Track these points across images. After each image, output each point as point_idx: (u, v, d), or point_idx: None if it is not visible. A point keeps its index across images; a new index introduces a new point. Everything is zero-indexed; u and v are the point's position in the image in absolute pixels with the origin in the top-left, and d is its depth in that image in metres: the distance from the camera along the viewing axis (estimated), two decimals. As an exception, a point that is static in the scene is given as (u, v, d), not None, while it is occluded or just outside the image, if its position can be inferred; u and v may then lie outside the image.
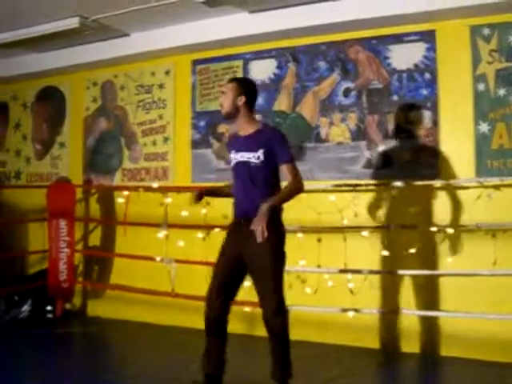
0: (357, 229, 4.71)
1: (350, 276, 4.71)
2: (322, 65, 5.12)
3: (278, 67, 5.31)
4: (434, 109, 4.64)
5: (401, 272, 4.51)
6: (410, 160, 4.70)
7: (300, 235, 4.88)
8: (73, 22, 5.21)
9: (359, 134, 4.93)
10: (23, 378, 4.01)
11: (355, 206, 4.75)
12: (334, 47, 5.05)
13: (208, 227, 5.13)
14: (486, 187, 4.35)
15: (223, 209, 4.30)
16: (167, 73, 5.89)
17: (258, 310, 4.81)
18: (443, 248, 4.47)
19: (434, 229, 4.49)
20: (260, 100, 5.33)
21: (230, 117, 3.44)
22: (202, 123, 5.64)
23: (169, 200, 5.37)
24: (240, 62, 5.49)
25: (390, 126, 4.80)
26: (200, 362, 3.46)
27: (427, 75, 4.68)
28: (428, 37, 4.66)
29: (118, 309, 5.89)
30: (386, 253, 4.62)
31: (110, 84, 6.26)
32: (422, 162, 4.64)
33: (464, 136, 4.51)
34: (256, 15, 5.06)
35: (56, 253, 5.86)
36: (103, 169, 6.26)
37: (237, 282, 3.40)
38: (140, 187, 5.75)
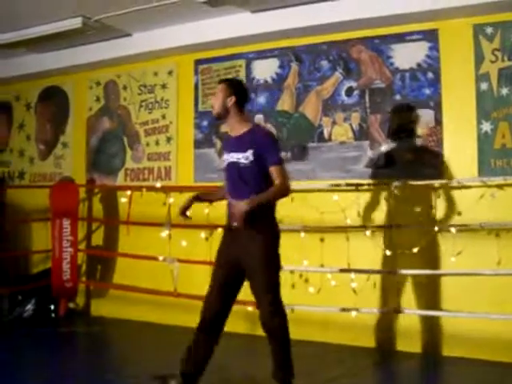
0: (360, 228, 4.71)
1: (353, 276, 4.71)
2: (325, 64, 5.11)
3: (281, 67, 5.31)
4: (437, 108, 4.62)
5: (403, 272, 4.50)
6: (412, 159, 4.69)
7: (303, 235, 4.88)
8: (75, 23, 5.22)
9: (362, 133, 4.92)
10: (26, 377, 4.02)
11: (358, 206, 4.75)
12: (336, 47, 5.04)
13: (211, 227, 5.13)
14: (490, 186, 4.34)
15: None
16: (170, 73, 5.89)
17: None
18: (446, 248, 4.46)
19: (436, 228, 4.49)
20: (263, 100, 5.37)
21: (221, 117, 3.46)
22: (205, 123, 5.64)
23: (172, 200, 5.37)
24: (242, 62, 5.49)
25: (393, 126, 4.79)
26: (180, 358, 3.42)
27: (430, 74, 4.66)
28: (431, 36, 4.65)
29: (120, 308, 5.90)
30: (388, 252, 4.61)
31: (113, 84, 6.27)
32: (424, 162, 4.63)
33: (467, 135, 4.49)
34: (258, 15, 5.05)
35: (59, 252, 5.87)
36: (106, 168, 6.27)
37: (235, 288, 3.39)
38: (143, 187, 5.76)
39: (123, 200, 5.82)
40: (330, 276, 4.81)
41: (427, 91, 4.67)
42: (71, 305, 6.19)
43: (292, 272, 4.99)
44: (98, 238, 6.29)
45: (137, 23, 5.42)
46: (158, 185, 5.68)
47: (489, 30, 4.44)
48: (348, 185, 4.78)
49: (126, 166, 6.14)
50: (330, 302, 4.73)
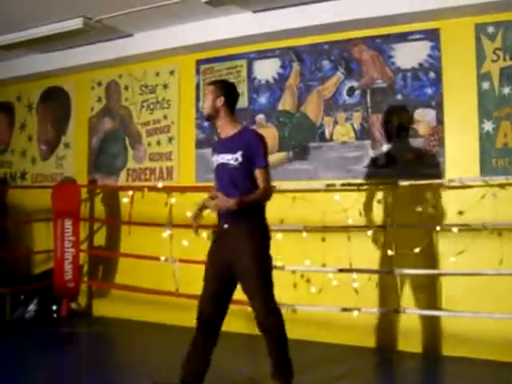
0: (361, 228, 4.71)
1: (355, 275, 4.71)
2: (326, 64, 5.11)
3: (282, 67, 5.31)
4: (439, 108, 4.62)
5: (405, 271, 4.50)
6: (414, 159, 4.68)
7: (304, 235, 4.88)
8: (77, 23, 5.22)
9: (363, 133, 4.92)
10: (28, 378, 4.03)
11: (360, 205, 4.75)
12: (337, 46, 5.04)
13: (212, 227, 5.11)
14: (491, 186, 4.33)
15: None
16: (171, 73, 5.89)
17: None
18: (448, 247, 4.46)
19: (438, 228, 4.48)
20: (264, 100, 5.37)
21: (212, 118, 3.47)
22: (206, 123, 5.63)
23: (173, 200, 5.38)
24: (244, 62, 5.49)
25: (395, 125, 4.79)
26: (181, 365, 3.41)
27: (432, 74, 4.66)
28: (432, 35, 4.64)
29: (122, 308, 5.90)
30: (390, 252, 4.60)
31: (115, 84, 6.27)
32: (426, 161, 4.63)
33: (468, 135, 4.49)
34: (259, 15, 5.06)
35: (61, 253, 5.88)
36: (108, 169, 6.28)
37: (228, 290, 3.38)
38: (144, 187, 5.76)
39: (125, 200, 5.82)
40: (331, 276, 4.81)
41: (429, 91, 4.67)
42: (73, 305, 6.19)
43: (294, 272, 4.99)
44: (99, 239, 6.29)
45: (138, 23, 5.42)
46: (160, 185, 5.68)
47: (490, 30, 4.43)
48: (349, 184, 4.78)
49: (128, 166, 6.14)
50: (331, 302, 4.73)
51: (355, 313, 4.59)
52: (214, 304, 3.34)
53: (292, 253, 4.95)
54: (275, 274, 4.91)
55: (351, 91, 5.00)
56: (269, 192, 3.34)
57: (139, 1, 4.86)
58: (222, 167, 3.38)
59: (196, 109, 5.74)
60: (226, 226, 3.34)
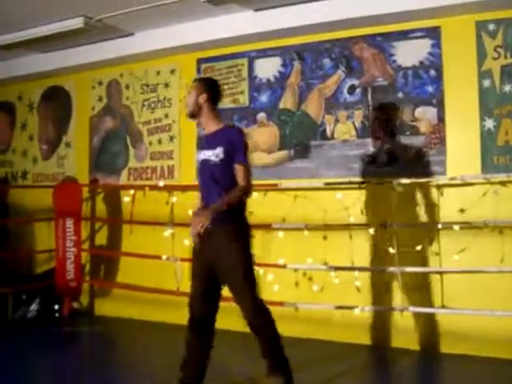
0: (363, 226, 4.71)
1: (356, 274, 4.71)
2: (327, 62, 5.11)
3: (283, 65, 5.31)
4: (440, 105, 4.62)
5: (407, 269, 4.49)
6: (415, 157, 4.68)
7: (306, 233, 4.89)
8: (77, 22, 5.22)
9: (365, 131, 4.92)
10: (30, 377, 4.04)
11: (361, 204, 4.75)
12: (338, 45, 5.04)
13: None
14: (493, 183, 4.33)
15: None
16: (172, 72, 5.89)
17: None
18: (450, 245, 4.46)
19: (440, 226, 4.48)
20: (265, 98, 5.37)
21: (195, 115, 3.47)
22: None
23: (175, 199, 5.38)
24: (245, 61, 5.49)
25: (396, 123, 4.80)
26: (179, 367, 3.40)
27: (432, 72, 4.66)
28: (433, 33, 4.64)
29: (124, 307, 5.91)
30: (392, 250, 4.60)
31: (116, 83, 6.28)
32: (427, 159, 4.63)
33: (470, 132, 4.49)
34: (260, 13, 5.05)
35: (63, 252, 5.88)
36: (109, 168, 6.28)
37: (216, 289, 3.36)
38: (146, 186, 5.76)
39: (126, 199, 5.82)
40: (333, 274, 4.81)
41: (430, 89, 4.67)
42: (75, 304, 6.19)
43: (296, 270, 4.99)
44: (101, 238, 6.30)
45: (139, 22, 5.42)
46: (161, 184, 5.68)
47: (491, 27, 4.43)
48: (351, 183, 4.78)
49: (129, 165, 6.14)
50: (333, 300, 4.73)
51: (356, 311, 4.60)
52: (203, 303, 3.34)
53: (294, 251, 4.96)
54: (277, 272, 5.00)
55: (352, 89, 5.00)
56: (247, 190, 3.30)
57: (140, 0, 4.86)
58: (204, 163, 3.38)
59: (197, 108, 5.73)
60: (208, 226, 3.33)
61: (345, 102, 5.02)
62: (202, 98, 3.39)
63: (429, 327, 4.55)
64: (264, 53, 5.39)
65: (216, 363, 3.47)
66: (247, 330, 3.32)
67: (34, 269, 6.61)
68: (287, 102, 5.28)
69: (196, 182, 5.50)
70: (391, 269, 4.56)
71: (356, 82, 4.98)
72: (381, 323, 4.71)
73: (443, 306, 4.45)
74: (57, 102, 6.73)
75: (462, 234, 4.37)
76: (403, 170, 4.66)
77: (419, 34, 4.70)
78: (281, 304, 4.77)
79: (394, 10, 4.55)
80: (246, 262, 3.28)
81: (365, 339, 4.74)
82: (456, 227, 4.37)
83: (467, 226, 4.35)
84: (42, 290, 5.92)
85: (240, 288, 3.25)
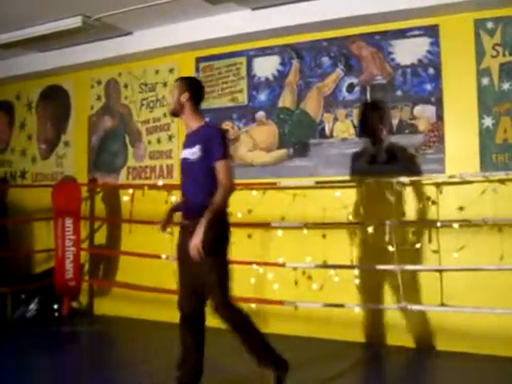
0: (361, 225, 4.71)
1: (356, 272, 4.71)
2: (326, 61, 5.11)
3: (282, 64, 5.30)
4: (438, 104, 4.62)
5: (406, 267, 4.49)
6: (414, 155, 4.68)
7: (305, 231, 4.89)
8: (76, 21, 5.21)
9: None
10: (29, 377, 4.04)
11: (360, 202, 4.75)
12: (337, 43, 5.04)
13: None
14: (491, 181, 4.33)
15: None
16: (171, 71, 5.89)
17: (263, 307, 4.85)
18: (449, 243, 4.46)
19: (439, 224, 4.48)
20: (264, 97, 5.37)
21: (176, 114, 3.48)
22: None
23: (174, 198, 5.37)
24: (243, 59, 5.48)
25: (395, 122, 4.79)
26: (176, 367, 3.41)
27: (431, 70, 4.66)
28: (431, 31, 4.64)
29: (123, 307, 5.91)
30: (391, 248, 4.60)
31: (114, 82, 6.27)
32: (426, 157, 4.63)
33: (468, 130, 4.49)
34: (258, 12, 5.05)
35: (62, 251, 5.88)
36: (108, 167, 6.28)
37: (202, 284, 3.33)
38: (145, 185, 5.76)
39: (125, 198, 5.82)
40: (332, 272, 4.81)
41: (428, 87, 4.67)
42: (74, 304, 6.19)
43: (295, 269, 4.99)
44: (100, 237, 6.30)
45: (137, 21, 5.41)
46: (160, 183, 5.68)
47: (489, 25, 4.43)
48: (350, 181, 4.78)
49: (128, 165, 6.14)
50: (332, 298, 4.73)
51: (356, 309, 4.60)
52: (191, 299, 3.35)
53: (293, 250, 4.96)
54: (276, 271, 5.00)
55: (351, 88, 5.00)
56: (230, 187, 3.26)
57: (138, -1, 4.87)
58: (183, 162, 3.40)
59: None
60: (186, 222, 3.31)
61: (343, 100, 5.02)
62: (184, 96, 3.40)
63: (429, 325, 4.55)
64: (263, 51, 5.39)
65: (212, 362, 3.47)
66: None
67: (33, 268, 6.61)
68: (286, 100, 5.28)
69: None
70: (391, 267, 4.56)
71: (355, 80, 4.98)
72: (381, 321, 4.71)
73: (443, 304, 4.45)
74: (55, 102, 6.72)
75: (462, 232, 4.37)
76: (401, 169, 4.67)
77: (418, 33, 4.70)
78: (280, 303, 4.78)
79: (392, 9, 4.54)
80: (215, 257, 3.23)
81: (365, 337, 4.74)
82: (455, 225, 4.38)
83: (466, 223, 4.36)
84: (41, 289, 5.92)
85: (210, 282, 3.24)
